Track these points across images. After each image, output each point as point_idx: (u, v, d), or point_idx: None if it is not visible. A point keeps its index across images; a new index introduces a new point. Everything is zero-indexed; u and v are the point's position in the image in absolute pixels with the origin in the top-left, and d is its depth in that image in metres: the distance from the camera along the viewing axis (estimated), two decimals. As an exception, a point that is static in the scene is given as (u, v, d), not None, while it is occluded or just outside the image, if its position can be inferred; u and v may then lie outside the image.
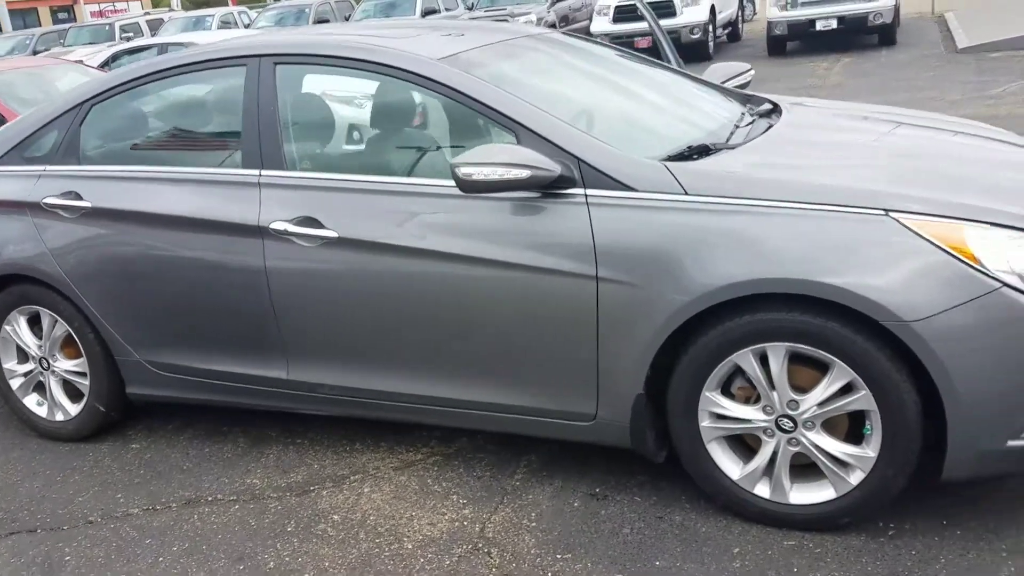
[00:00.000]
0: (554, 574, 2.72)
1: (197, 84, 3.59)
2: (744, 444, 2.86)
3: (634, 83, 3.68)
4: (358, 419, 3.48)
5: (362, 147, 3.39)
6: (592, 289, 2.79)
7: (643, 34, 15.59)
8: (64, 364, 3.82)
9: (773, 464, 2.77)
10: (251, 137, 3.31)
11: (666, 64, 4.11)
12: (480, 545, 2.89)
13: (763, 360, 2.68)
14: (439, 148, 3.28)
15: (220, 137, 3.49)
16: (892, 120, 3.58)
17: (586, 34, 16.63)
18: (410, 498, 3.20)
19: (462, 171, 2.75)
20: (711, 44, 15.76)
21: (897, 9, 14.20)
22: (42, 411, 3.93)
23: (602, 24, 15.90)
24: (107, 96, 3.66)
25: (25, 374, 3.92)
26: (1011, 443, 2.52)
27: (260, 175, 3.27)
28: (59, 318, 3.73)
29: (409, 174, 3.17)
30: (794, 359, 2.66)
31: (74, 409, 3.85)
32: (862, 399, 2.59)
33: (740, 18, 18.63)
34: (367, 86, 3.48)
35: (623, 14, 15.67)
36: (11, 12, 41.91)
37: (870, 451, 2.63)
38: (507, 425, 3.12)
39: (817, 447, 2.70)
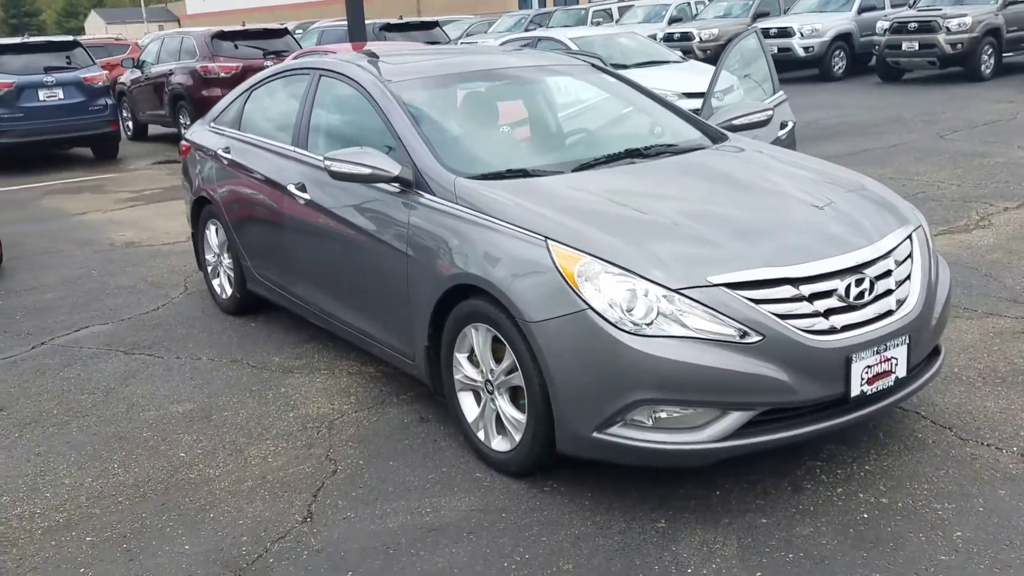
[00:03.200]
0: (333, 450, 3.88)
1: (295, 83, 5.13)
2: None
3: (571, 114, 4.48)
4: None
5: (333, 137, 4.68)
6: (405, 262, 3.85)
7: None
8: (226, 261, 5.71)
9: (485, 415, 3.63)
10: (298, 123, 4.80)
11: (657, 97, 4.72)
12: (322, 426, 4.13)
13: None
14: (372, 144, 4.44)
15: (290, 121, 5.00)
16: (789, 174, 3.91)
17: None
18: (332, 392, 4.51)
19: (325, 163, 3.95)
20: None
21: None
22: (219, 290, 5.87)
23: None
24: (260, 85, 5.41)
25: (213, 264, 5.89)
26: (595, 435, 3.14)
27: (295, 151, 4.75)
28: (222, 228, 5.60)
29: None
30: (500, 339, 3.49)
31: (229, 292, 5.74)
32: (518, 376, 3.37)
33: None
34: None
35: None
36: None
37: (524, 419, 3.39)
38: (378, 352, 4.28)
39: (501, 408, 3.51)
